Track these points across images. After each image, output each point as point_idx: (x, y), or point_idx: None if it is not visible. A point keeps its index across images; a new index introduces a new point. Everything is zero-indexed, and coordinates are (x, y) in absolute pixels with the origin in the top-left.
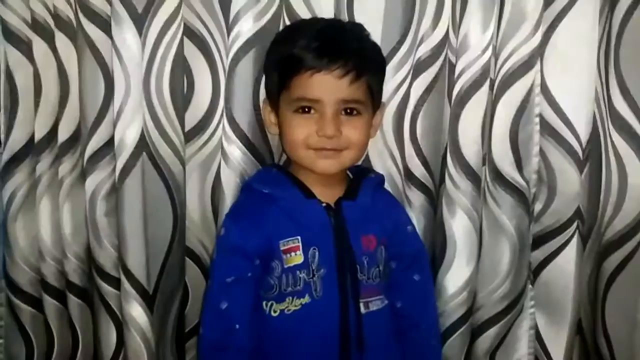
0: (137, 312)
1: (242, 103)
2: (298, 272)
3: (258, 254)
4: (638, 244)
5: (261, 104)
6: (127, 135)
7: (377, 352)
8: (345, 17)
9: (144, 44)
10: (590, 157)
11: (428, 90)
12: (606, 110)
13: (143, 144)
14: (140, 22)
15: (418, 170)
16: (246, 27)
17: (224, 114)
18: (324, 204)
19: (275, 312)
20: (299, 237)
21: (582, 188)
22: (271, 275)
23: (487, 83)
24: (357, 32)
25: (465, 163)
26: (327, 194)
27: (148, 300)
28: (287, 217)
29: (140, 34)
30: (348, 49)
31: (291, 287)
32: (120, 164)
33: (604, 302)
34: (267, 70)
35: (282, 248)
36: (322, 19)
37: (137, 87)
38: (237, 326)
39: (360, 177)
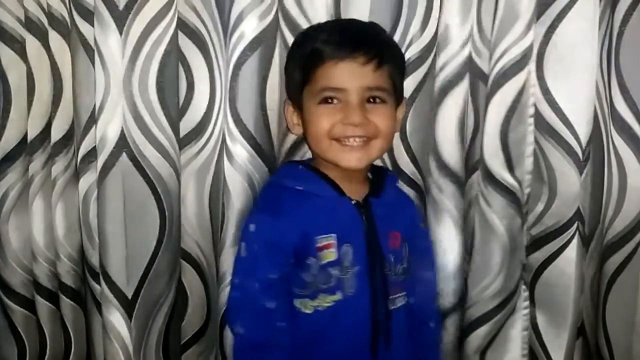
0: (115, 318)
1: (248, 103)
2: (330, 269)
3: (294, 250)
4: (637, 245)
5: (282, 106)
6: (107, 134)
7: (401, 347)
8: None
9: (124, 42)
10: (593, 158)
11: (417, 89)
12: (608, 111)
13: (123, 144)
14: (121, 19)
15: (407, 167)
16: (250, 27)
17: (230, 115)
18: (353, 201)
19: (307, 309)
20: (334, 235)
21: (582, 189)
22: (307, 272)
23: (466, 81)
24: (376, 27)
25: (443, 162)
26: (354, 191)
27: (127, 306)
28: (322, 214)
29: (120, 31)
30: (369, 38)
31: (324, 285)
32: (99, 164)
33: (605, 304)
34: (289, 70)
35: (317, 245)
36: (341, 18)
37: (117, 86)
38: (283, 324)
39: (380, 174)
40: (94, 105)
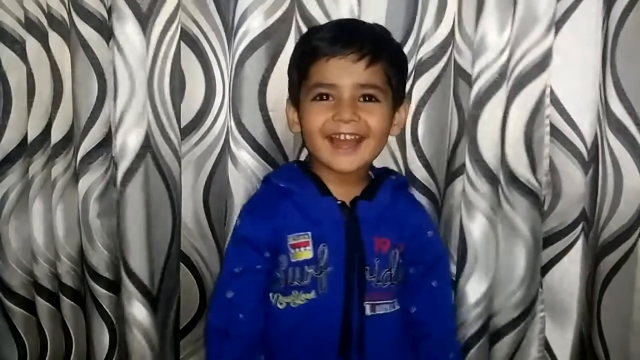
0: (140, 313)
1: (249, 104)
2: (306, 267)
3: (268, 246)
4: (632, 245)
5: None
6: (132, 136)
7: (378, 357)
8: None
9: (148, 43)
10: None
11: (429, 91)
12: (603, 112)
13: (147, 144)
14: (145, 20)
15: (419, 172)
16: (255, 25)
17: (231, 116)
18: (339, 202)
19: (281, 304)
20: (309, 233)
21: (587, 189)
22: (278, 268)
23: (505, 85)
24: (375, 26)
25: (485, 166)
26: (344, 192)
27: (151, 301)
28: (299, 212)
29: (144, 32)
30: (363, 35)
31: (298, 282)
32: (124, 166)
33: (600, 303)
34: (289, 70)
35: (290, 242)
36: (342, 18)
37: (142, 87)
38: (241, 316)
39: (382, 178)
40: (115, 107)
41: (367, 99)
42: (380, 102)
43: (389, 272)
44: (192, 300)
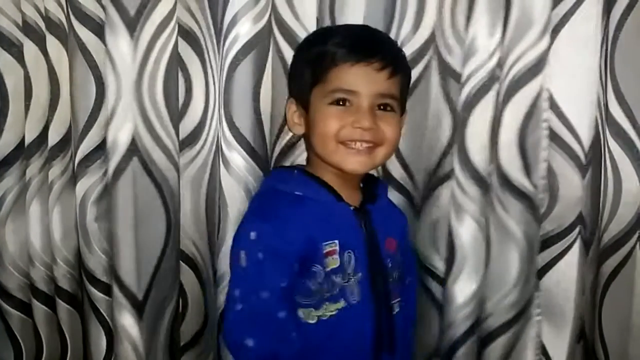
0: (127, 321)
1: (242, 107)
2: (334, 276)
3: (299, 257)
4: (631, 249)
5: (285, 106)
6: (119, 138)
7: (401, 353)
8: (327, 21)
9: (135, 46)
10: (592, 162)
11: (409, 93)
12: (604, 116)
13: (134, 148)
14: (132, 24)
15: (397, 172)
16: (244, 30)
17: (224, 119)
18: (351, 207)
19: (311, 319)
20: (336, 241)
21: (585, 193)
22: (312, 280)
23: (496, 87)
24: (390, 37)
25: (473, 168)
26: (349, 196)
27: (138, 308)
28: (324, 220)
29: (132, 36)
30: (384, 45)
31: (329, 292)
32: (111, 169)
33: (601, 307)
34: (297, 69)
35: (324, 251)
36: (354, 24)
37: (129, 90)
38: (294, 335)
39: (372, 181)
40: (107, 109)
41: (383, 108)
42: (395, 112)
43: (398, 271)
44: (197, 316)
